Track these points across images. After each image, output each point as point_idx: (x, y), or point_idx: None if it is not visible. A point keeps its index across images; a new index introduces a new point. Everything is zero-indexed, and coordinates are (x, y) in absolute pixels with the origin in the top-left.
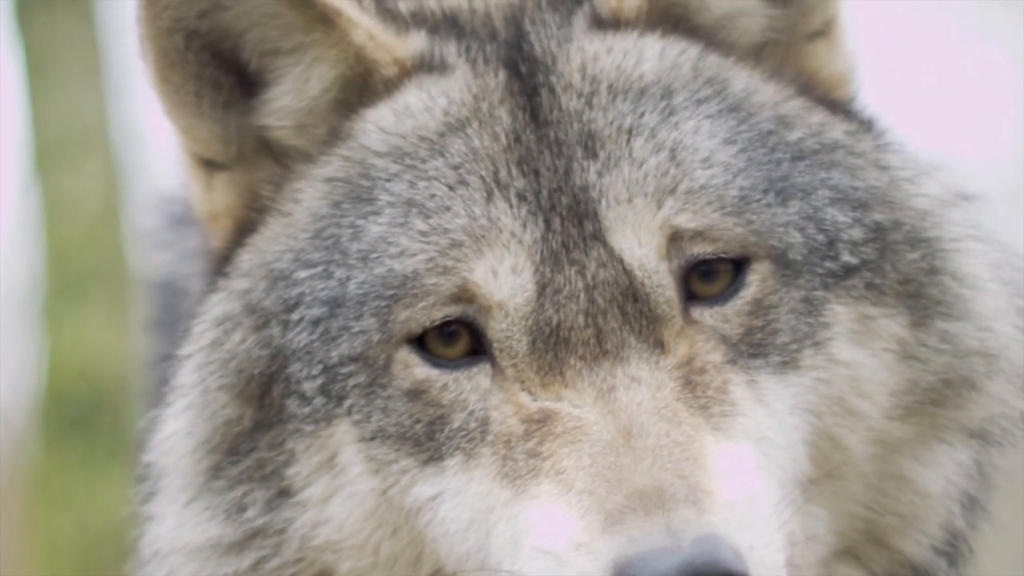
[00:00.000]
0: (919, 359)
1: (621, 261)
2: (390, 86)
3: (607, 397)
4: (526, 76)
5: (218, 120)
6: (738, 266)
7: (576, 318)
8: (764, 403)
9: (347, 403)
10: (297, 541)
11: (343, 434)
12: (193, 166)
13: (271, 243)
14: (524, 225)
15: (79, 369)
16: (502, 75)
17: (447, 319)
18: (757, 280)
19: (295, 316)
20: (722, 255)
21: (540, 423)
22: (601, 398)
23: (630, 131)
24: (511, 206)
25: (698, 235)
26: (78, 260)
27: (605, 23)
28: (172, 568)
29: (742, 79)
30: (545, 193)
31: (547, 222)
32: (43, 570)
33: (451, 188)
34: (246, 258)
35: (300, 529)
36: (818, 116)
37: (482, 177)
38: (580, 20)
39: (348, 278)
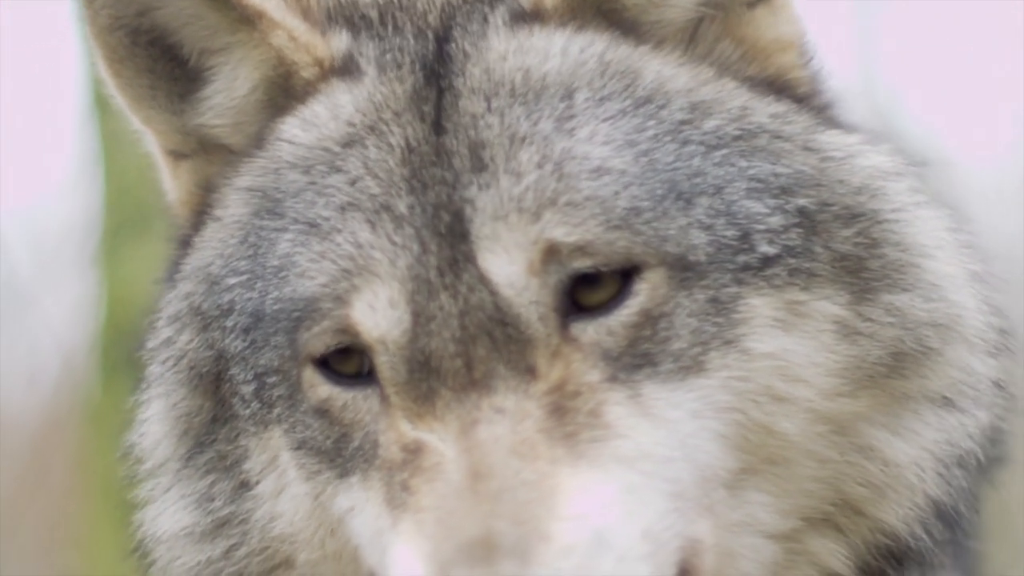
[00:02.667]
0: (864, 334)
1: (490, 282)
2: (309, 90)
3: (468, 432)
4: (438, 79)
5: (175, 112)
6: (626, 275)
7: (447, 347)
8: (651, 415)
9: (275, 411)
10: (258, 532)
11: (278, 439)
12: (160, 154)
13: (208, 245)
14: (403, 250)
15: (137, 304)
16: (413, 79)
17: (340, 346)
18: (646, 289)
19: (229, 322)
20: (603, 268)
21: (414, 454)
22: (463, 433)
23: (521, 140)
24: (393, 230)
25: (578, 249)
26: (136, 195)
27: (526, 16)
28: (160, 554)
29: (655, 68)
30: (429, 211)
31: (424, 244)
32: (98, 504)
33: (342, 209)
34: (190, 259)
35: (260, 520)
36: (741, 99)
37: (372, 196)
38: (501, 14)
39: (266, 292)
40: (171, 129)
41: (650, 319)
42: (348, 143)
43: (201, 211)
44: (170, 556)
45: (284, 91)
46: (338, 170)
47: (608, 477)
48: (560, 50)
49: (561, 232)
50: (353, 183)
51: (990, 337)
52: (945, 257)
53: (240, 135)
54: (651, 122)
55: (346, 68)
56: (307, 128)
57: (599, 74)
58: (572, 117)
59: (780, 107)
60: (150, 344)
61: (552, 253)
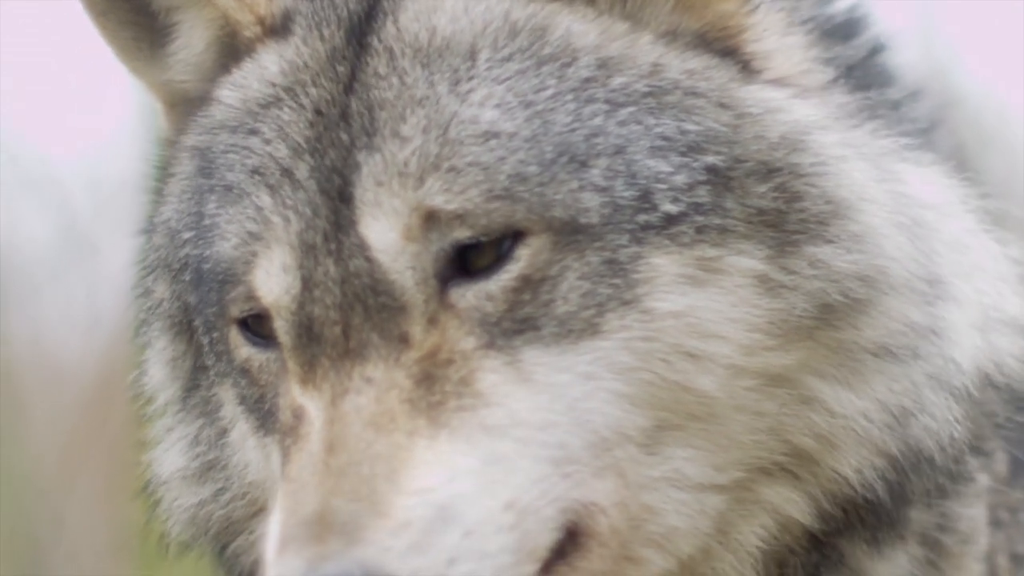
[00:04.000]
0: (788, 287)
1: (368, 248)
2: (248, 50)
3: (337, 402)
4: (361, 38)
5: (159, 64)
6: (510, 240)
7: (328, 313)
8: (531, 381)
9: (222, 365)
10: (237, 477)
11: (230, 391)
12: (156, 101)
13: (169, 199)
14: (296, 215)
15: None
16: (335, 38)
17: (252, 311)
18: (528, 254)
19: (186, 276)
20: (482, 238)
21: (297, 420)
22: (332, 403)
23: (415, 102)
24: (290, 194)
25: (457, 218)
26: None
27: None
28: (163, 495)
29: (564, 24)
30: (324, 175)
31: (315, 209)
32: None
33: (252, 173)
34: (160, 210)
35: (236, 467)
36: (654, 55)
37: (278, 159)
38: None
39: (202, 251)
40: (156, 81)
41: (531, 283)
42: (267, 104)
43: (168, 164)
44: (170, 497)
45: (231, 50)
46: (255, 132)
47: (470, 447)
48: (465, 8)
49: (441, 199)
50: (266, 145)
51: (922, 287)
52: (871, 209)
53: (201, 91)
54: (553, 80)
55: (281, 27)
56: (236, 89)
57: (505, 33)
58: (470, 79)
59: (699, 62)
60: (137, 291)
61: (432, 220)
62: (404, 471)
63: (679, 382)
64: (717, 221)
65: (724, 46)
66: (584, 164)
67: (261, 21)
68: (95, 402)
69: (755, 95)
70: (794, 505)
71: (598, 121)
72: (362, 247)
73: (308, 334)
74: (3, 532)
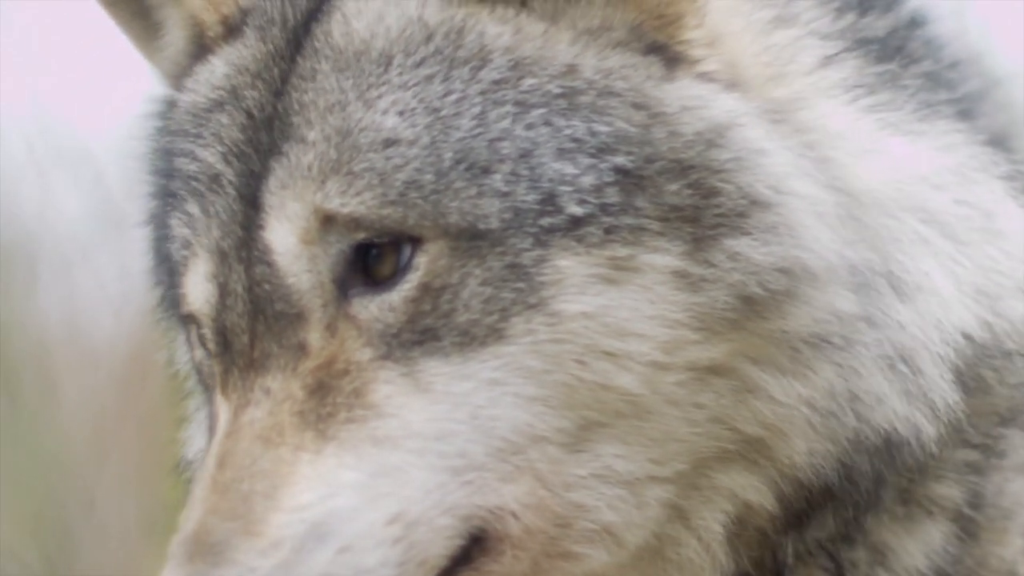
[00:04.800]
0: (708, 280)
1: (270, 252)
2: (209, 51)
3: (238, 414)
4: (299, 40)
5: (160, 57)
6: (409, 248)
7: (238, 322)
8: (429, 392)
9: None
10: None
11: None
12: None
13: (151, 195)
14: (217, 222)
15: None
16: (276, 40)
17: (189, 314)
18: (425, 262)
19: (164, 271)
20: (376, 240)
21: (214, 429)
22: (234, 415)
23: (326, 108)
24: (214, 200)
25: (352, 221)
26: None
27: None
28: (191, 475)
29: (479, 27)
30: (244, 181)
31: (232, 215)
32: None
33: (191, 178)
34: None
35: None
36: (570, 55)
37: (210, 164)
38: None
39: (167, 250)
40: (163, 72)
41: (430, 292)
42: (211, 108)
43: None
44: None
45: (200, 50)
46: (198, 137)
47: (357, 460)
48: (382, 14)
49: (337, 203)
50: (203, 150)
51: (848, 276)
52: (789, 201)
53: (176, 91)
54: (462, 84)
55: (237, 28)
56: (189, 92)
57: (419, 38)
58: (380, 85)
59: (619, 61)
60: (150, 276)
61: (329, 223)
62: (284, 487)
63: (599, 382)
64: (628, 221)
65: (654, 39)
66: (485, 170)
67: (224, 21)
68: (127, 381)
69: (674, 93)
70: (753, 490)
71: (505, 124)
72: (265, 252)
73: (224, 342)
74: (34, 511)
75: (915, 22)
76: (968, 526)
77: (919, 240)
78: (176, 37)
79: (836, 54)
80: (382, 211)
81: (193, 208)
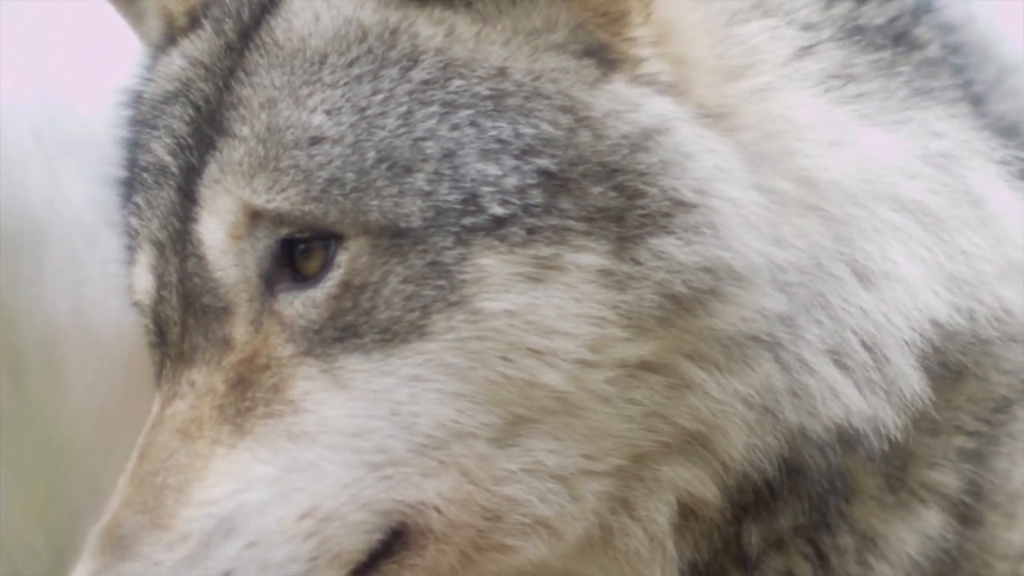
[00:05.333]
0: (635, 278)
1: (201, 245)
2: (174, 42)
3: (165, 406)
4: (250, 33)
5: None
6: (333, 245)
7: (172, 314)
8: (349, 388)
9: None
10: None
11: None
12: None
13: None
14: (158, 214)
15: None
16: (229, 33)
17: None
18: (347, 260)
19: None
20: (297, 235)
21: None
22: (161, 407)
23: (261, 105)
24: (159, 192)
25: (278, 217)
26: None
27: None
28: None
29: (414, 26)
30: (184, 174)
31: (172, 208)
32: None
33: (143, 169)
34: None
35: None
36: (501, 57)
37: (159, 156)
38: None
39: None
40: None
41: (352, 290)
42: (166, 100)
43: None
44: None
45: (169, 40)
46: (154, 128)
47: (271, 455)
48: (319, 14)
49: (263, 199)
50: (156, 142)
51: (769, 276)
52: (713, 203)
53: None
54: (389, 84)
55: (197, 20)
56: (151, 83)
57: (354, 37)
58: (312, 83)
59: (552, 63)
60: None
61: (256, 219)
62: (196, 482)
63: (525, 379)
64: (552, 221)
65: (597, 39)
66: (408, 169)
67: (189, 12)
68: (133, 368)
69: (604, 96)
70: (696, 482)
71: (430, 124)
72: (197, 245)
73: (161, 334)
74: (40, 498)
75: (922, 8)
76: (967, 513)
77: (888, 228)
78: (152, 27)
79: (815, 44)
80: (304, 207)
81: (140, 199)
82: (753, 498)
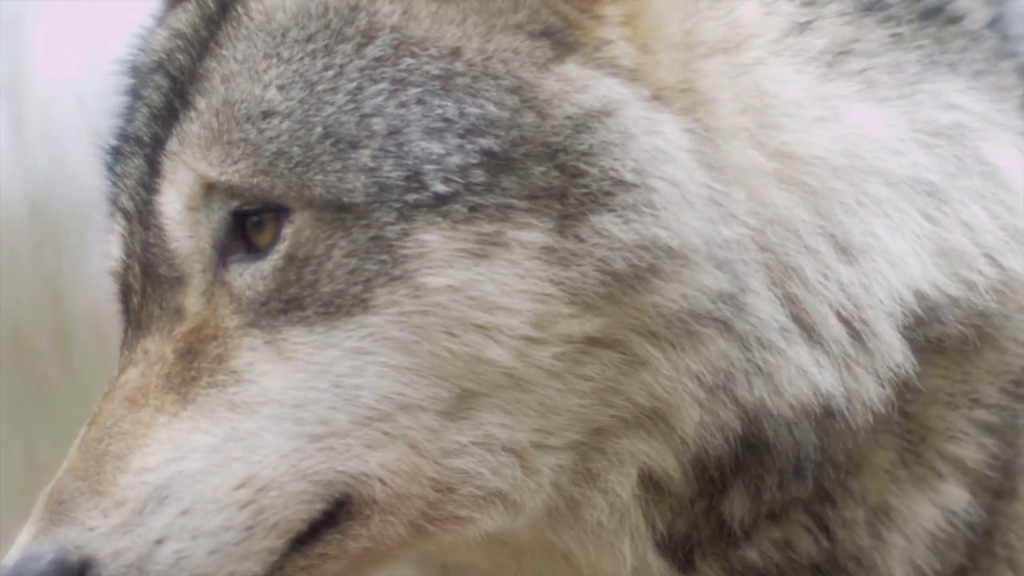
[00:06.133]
0: (577, 255)
1: (160, 215)
2: (172, 11)
3: (120, 374)
4: (230, 5)
5: None
6: (280, 218)
7: (133, 283)
8: (292, 360)
9: None
10: None
11: None
12: None
13: None
14: (130, 184)
15: None
16: (212, 5)
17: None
18: (291, 233)
19: None
20: (246, 207)
21: None
22: (119, 373)
23: (223, 77)
24: (131, 162)
25: (229, 189)
26: None
27: None
28: None
29: (376, 3)
30: (153, 145)
31: (140, 179)
32: None
33: (124, 138)
34: None
35: None
36: (455, 37)
37: (137, 126)
38: None
39: None
40: None
41: (296, 262)
42: (151, 70)
43: None
44: None
45: (167, 10)
46: (138, 98)
47: (211, 424)
48: None
49: (216, 172)
50: (135, 112)
51: (708, 254)
52: (653, 184)
53: None
54: (341, 60)
55: None
56: (140, 54)
57: (315, 13)
58: (269, 57)
59: (504, 43)
60: None
61: (211, 191)
62: (136, 449)
63: (471, 354)
64: (494, 200)
65: (557, 20)
66: (353, 145)
67: None
68: None
69: (552, 78)
70: (657, 456)
71: (378, 101)
72: (157, 216)
73: (125, 302)
74: None
75: None
76: (997, 486)
77: (872, 202)
78: None
79: (815, 20)
80: (253, 180)
81: (119, 168)
82: (719, 473)
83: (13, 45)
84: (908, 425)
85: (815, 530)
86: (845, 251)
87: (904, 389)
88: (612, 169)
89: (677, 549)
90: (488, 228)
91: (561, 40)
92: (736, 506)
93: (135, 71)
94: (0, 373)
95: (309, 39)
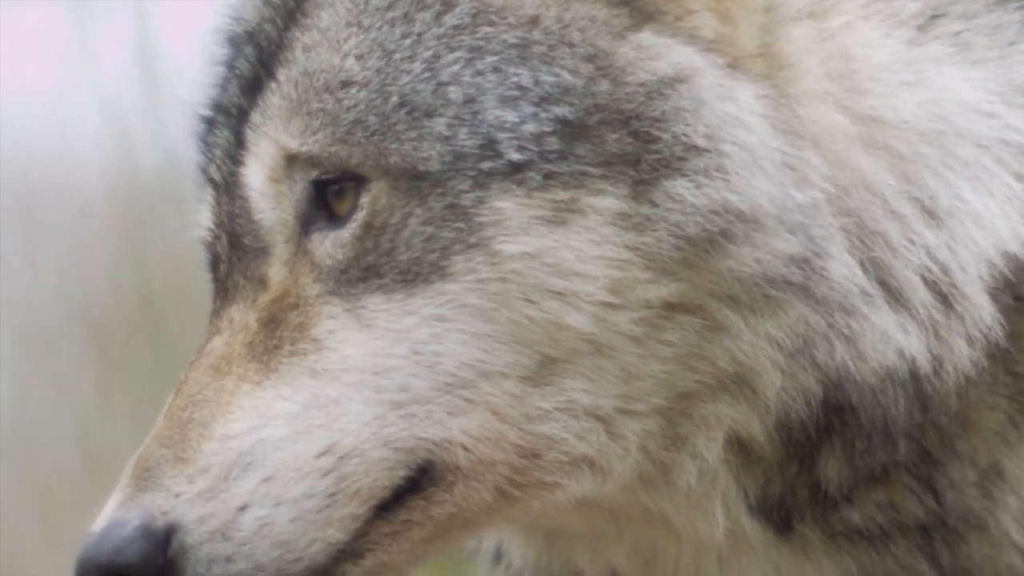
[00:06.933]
0: (652, 220)
1: (244, 187)
2: None
3: (208, 341)
4: None
5: None
6: (359, 187)
7: (221, 253)
8: (371, 327)
9: None
10: None
11: None
12: None
13: None
14: (219, 154)
15: None
16: None
17: None
18: (368, 201)
19: None
20: (324, 176)
21: None
22: (206, 341)
23: (306, 47)
24: (219, 132)
25: (310, 159)
26: None
27: None
28: None
29: None
30: (239, 115)
31: (227, 150)
32: None
33: (215, 109)
34: None
35: None
36: (534, 6)
37: (229, 95)
38: None
39: None
40: None
41: (373, 230)
42: (243, 40)
43: None
44: None
45: None
46: (231, 67)
47: (293, 392)
48: None
49: (296, 143)
50: (226, 82)
51: (776, 217)
52: (724, 149)
53: None
54: (420, 27)
55: None
56: (233, 24)
57: None
58: (352, 26)
59: (579, 12)
60: None
61: (292, 163)
62: (219, 417)
63: (550, 320)
64: (568, 167)
65: None
66: (428, 113)
67: None
68: None
69: (628, 46)
70: (743, 421)
71: (455, 69)
72: (241, 188)
73: (215, 271)
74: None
75: None
76: None
77: (959, 165)
78: None
79: None
80: (331, 148)
81: (209, 138)
82: (804, 437)
83: (143, 14)
84: (1018, 386)
85: (920, 491)
86: (932, 215)
87: (1012, 350)
88: (684, 134)
89: (773, 512)
90: (563, 195)
91: (640, 8)
92: (831, 470)
93: (229, 41)
94: (133, 341)
95: (389, 6)
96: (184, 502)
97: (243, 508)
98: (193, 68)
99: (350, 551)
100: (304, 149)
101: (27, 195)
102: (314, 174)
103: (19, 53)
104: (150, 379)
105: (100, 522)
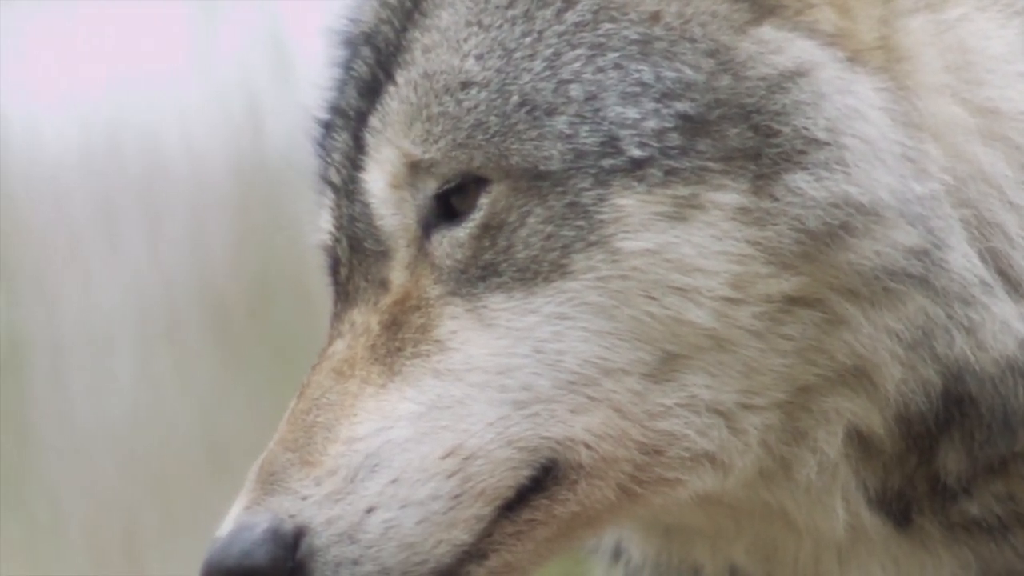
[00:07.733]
0: (772, 214)
1: (365, 193)
2: None
3: (330, 345)
4: None
5: None
6: (479, 188)
7: (342, 256)
8: (493, 326)
9: None
10: None
11: None
12: None
13: None
14: (338, 157)
15: None
16: None
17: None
18: (487, 203)
19: None
20: (445, 187)
21: None
22: (328, 345)
23: (424, 49)
24: (339, 136)
25: (432, 164)
26: None
27: None
28: None
29: None
30: (358, 119)
31: (346, 153)
32: None
33: (333, 111)
34: None
35: None
36: (654, 1)
37: (347, 98)
38: None
39: None
40: None
41: (491, 230)
42: (361, 41)
43: None
44: None
45: None
46: (349, 69)
47: (417, 393)
48: None
49: (419, 149)
50: (343, 84)
51: (897, 210)
52: (844, 142)
53: None
54: (541, 25)
55: None
56: (350, 25)
57: None
58: (471, 26)
59: (700, 7)
60: None
61: (415, 168)
62: (344, 419)
63: (671, 317)
64: (689, 163)
65: None
66: (549, 112)
67: None
68: None
69: (748, 40)
70: (864, 414)
71: (576, 66)
72: (362, 193)
73: (335, 275)
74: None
75: None
76: None
77: None
78: None
79: None
80: (452, 153)
81: (327, 142)
82: (924, 429)
83: (208, 6)
84: None
85: None
86: None
87: None
88: (804, 128)
89: (892, 505)
90: (684, 191)
91: (760, 3)
92: (950, 462)
93: (346, 43)
94: (253, 327)
95: (510, 4)
96: (312, 505)
97: (370, 510)
98: (322, 54)
99: (475, 552)
100: (427, 156)
101: (151, 183)
102: (435, 185)
103: (144, 43)
104: (269, 365)
105: (227, 526)
